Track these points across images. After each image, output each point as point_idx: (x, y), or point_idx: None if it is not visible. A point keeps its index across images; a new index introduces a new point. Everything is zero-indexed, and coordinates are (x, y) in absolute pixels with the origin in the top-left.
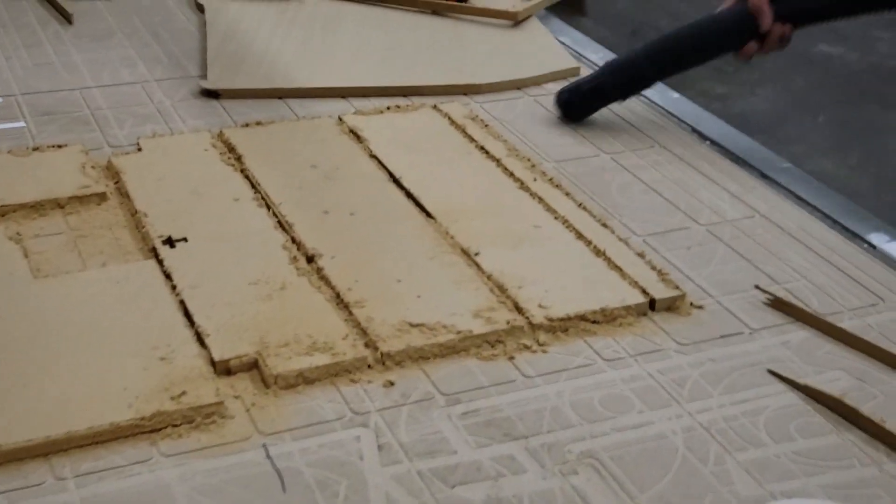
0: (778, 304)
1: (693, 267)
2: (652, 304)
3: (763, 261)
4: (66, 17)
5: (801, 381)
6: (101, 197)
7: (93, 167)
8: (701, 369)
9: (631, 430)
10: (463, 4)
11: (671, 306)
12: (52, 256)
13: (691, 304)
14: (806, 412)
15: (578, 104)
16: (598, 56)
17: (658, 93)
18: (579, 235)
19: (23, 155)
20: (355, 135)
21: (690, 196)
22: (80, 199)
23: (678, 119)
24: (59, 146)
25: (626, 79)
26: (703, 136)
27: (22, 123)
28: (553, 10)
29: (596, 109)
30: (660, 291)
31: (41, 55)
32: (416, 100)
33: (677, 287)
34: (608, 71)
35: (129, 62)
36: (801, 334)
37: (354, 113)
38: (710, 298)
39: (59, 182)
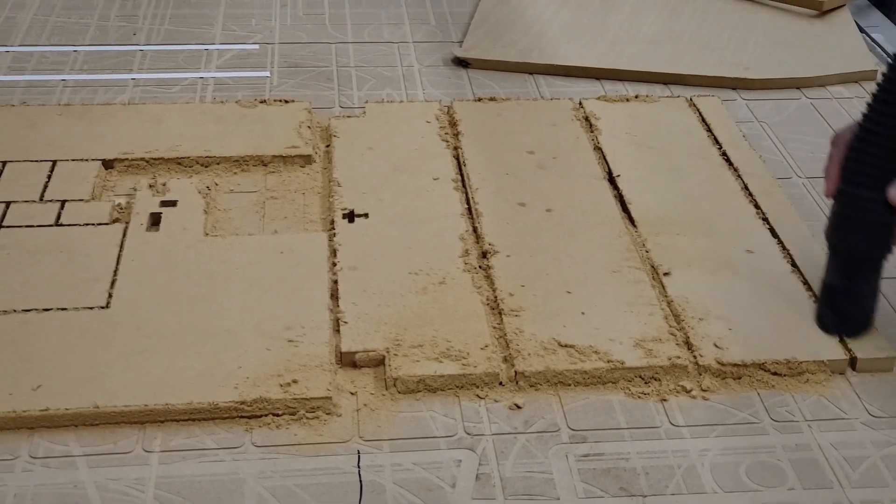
0: None
1: None
2: (853, 363)
3: None
4: None
5: None
6: (306, 159)
7: (309, 127)
8: (886, 451)
9: None
10: None
11: (877, 368)
12: (234, 215)
13: None
14: None
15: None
16: None
17: None
18: (796, 267)
19: (248, 106)
20: (588, 122)
21: None
22: (284, 160)
23: None
24: (286, 101)
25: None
26: None
27: (266, 73)
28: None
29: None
30: (866, 349)
31: (315, 5)
32: (677, 89)
33: (890, 347)
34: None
35: (395, 20)
36: None
37: (598, 98)
38: None
39: (270, 139)
